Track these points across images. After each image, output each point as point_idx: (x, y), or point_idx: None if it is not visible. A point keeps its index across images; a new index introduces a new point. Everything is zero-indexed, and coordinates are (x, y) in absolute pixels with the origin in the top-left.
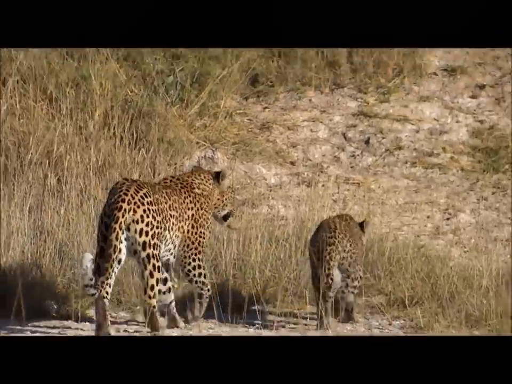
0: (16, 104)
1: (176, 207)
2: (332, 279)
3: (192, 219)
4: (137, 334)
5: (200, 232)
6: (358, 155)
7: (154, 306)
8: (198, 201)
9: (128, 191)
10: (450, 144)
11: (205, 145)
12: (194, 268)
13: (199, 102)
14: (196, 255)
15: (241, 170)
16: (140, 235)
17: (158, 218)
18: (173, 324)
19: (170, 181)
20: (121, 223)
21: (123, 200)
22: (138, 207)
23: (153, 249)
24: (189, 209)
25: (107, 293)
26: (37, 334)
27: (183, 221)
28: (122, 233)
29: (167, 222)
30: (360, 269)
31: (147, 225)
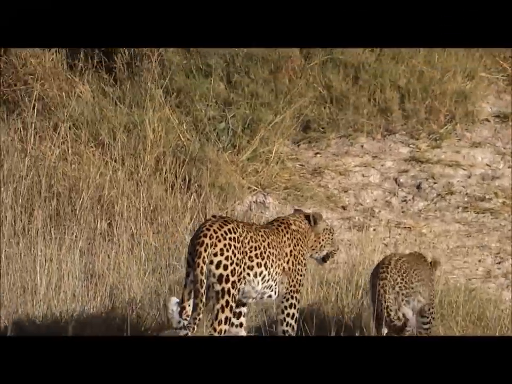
0: (68, 150)
1: (274, 245)
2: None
3: (290, 255)
4: None
5: (298, 269)
6: (409, 200)
7: None
8: (294, 238)
9: (212, 226)
10: (502, 190)
11: (256, 190)
12: (290, 306)
13: (250, 148)
14: (294, 292)
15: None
16: (217, 268)
17: (239, 256)
18: None
19: (268, 222)
20: (204, 257)
21: (205, 235)
22: (220, 241)
23: (230, 285)
24: (287, 246)
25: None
26: None
27: (282, 258)
28: (206, 267)
29: (266, 259)
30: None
31: (226, 259)
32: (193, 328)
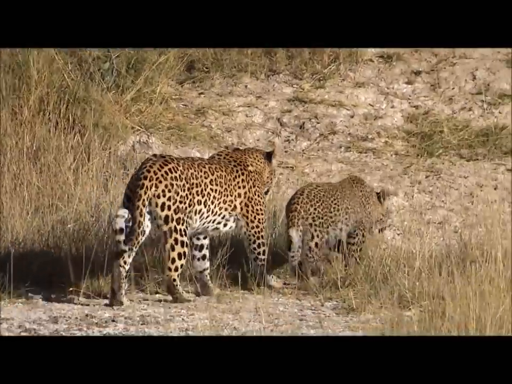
0: None
1: (220, 182)
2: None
3: (245, 197)
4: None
5: (257, 210)
6: (292, 140)
7: (174, 280)
8: (251, 179)
9: (152, 167)
10: (385, 129)
11: (139, 130)
12: (258, 246)
13: (135, 88)
14: (257, 233)
15: (176, 154)
16: (162, 210)
17: (182, 194)
18: (205, 291)
19: (224, 157)
20: (144, 200)
21: (145, 177)
22: (161, 182)
23: (176, 223)
24: (241, 187)
25: (125, 262)
26: None
27: (231, 196)
28: (146, 208)
29: (206, 196)
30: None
31: (169, 199)
32: (121, 259)
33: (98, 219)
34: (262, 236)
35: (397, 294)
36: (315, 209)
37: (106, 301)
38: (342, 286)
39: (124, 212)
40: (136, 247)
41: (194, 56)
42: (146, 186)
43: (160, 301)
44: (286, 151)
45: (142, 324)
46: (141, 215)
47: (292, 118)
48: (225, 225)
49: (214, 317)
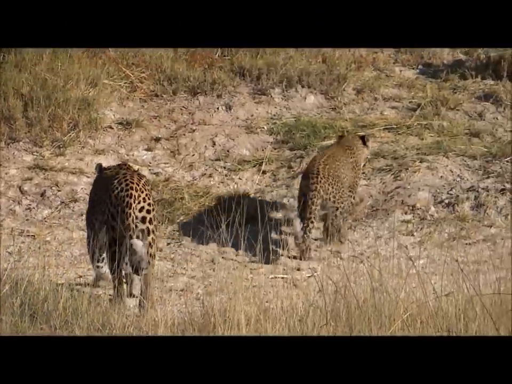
0: None
1: None
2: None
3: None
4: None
5: None
6: (33, 208)
7: None
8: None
9: (133, 178)
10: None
11: None
12: None
13: None
14: None
15: None
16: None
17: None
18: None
19: None
20: (134, 208)
21: (132, 188)
22: (142, 192)
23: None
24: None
25: None
26: None
27: None
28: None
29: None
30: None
31: (149, 205)
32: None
33: None
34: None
35: None
36: (332, 186)
37: None
38: None
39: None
40: None
41: None
42: (135, 196)
43: None
44: (27, 219)
45: None
46: (133, 222)
47: (32, 185)
48: None
49: None
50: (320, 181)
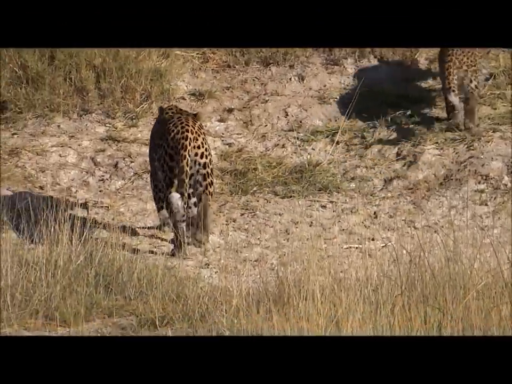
0: None
1: None
2: None
3: None
4: None
5: None
6: (107, 179)
7: None
8: None
9: (188, 121)
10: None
11: None
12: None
13: None
14: None
15: None
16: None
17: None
18: None
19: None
20: (189, 150)
21: (187, 130)
22: (199, 135)
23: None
24: None
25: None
26: None
27: None
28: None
29: None
30: None
31: (206, 150)
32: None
33: None
34: None
35: (215, 332)
36: (468, 58)
37: None
38: (160, 325)
39: (177, 196)
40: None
41: (6, 96)
42: (190, 138)
43: None
44: (100, 191)
45: None
46: (187, 164)
47: (105, 157)
48: None
49: None
50: None
